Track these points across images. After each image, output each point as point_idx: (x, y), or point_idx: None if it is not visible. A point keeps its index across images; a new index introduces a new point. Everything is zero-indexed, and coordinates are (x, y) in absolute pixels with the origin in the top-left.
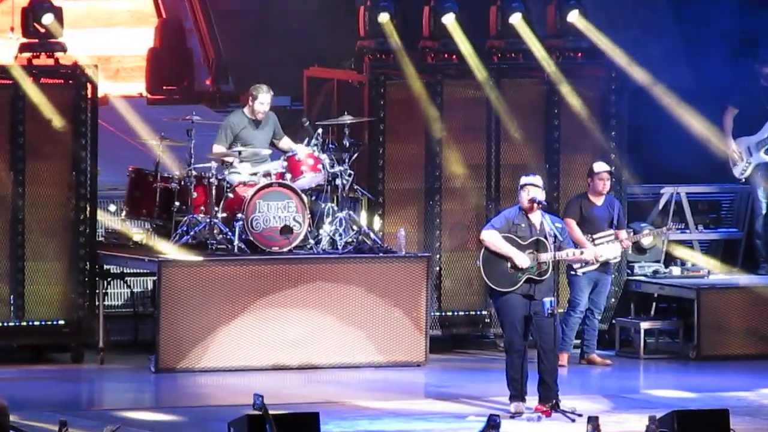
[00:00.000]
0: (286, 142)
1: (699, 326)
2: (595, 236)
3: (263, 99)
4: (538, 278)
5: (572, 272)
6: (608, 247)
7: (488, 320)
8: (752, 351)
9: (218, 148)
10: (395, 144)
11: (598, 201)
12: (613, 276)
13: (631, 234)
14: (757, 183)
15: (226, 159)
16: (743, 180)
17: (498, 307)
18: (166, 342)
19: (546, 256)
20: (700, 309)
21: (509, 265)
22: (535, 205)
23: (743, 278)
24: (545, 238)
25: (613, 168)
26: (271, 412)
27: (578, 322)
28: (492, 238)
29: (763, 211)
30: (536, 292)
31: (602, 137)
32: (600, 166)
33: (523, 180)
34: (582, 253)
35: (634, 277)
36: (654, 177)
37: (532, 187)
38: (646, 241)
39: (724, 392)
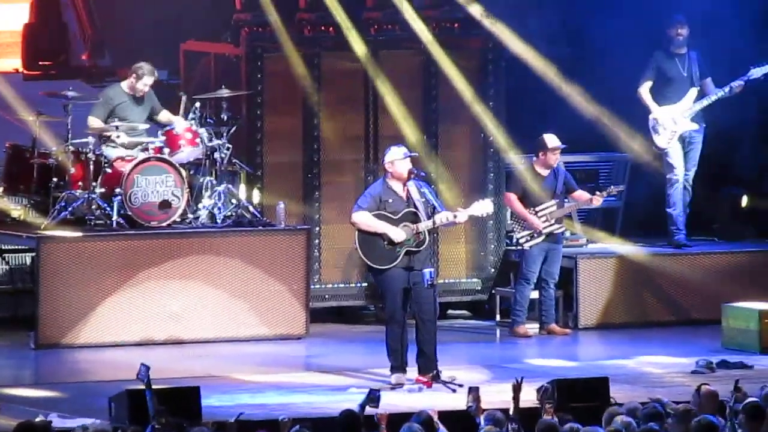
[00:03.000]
0: (164, 115)
1: (578, 295)
2: (537, 208)
3: (147, 81)
4: (416, 249)
5: (519, 247)
6: (480, 206)
7: (368, 292)
8: (632, 319)
9: (94, 121)
10: (273, 117)
11: (544, 172)
12: (562, 246)
13: (598, 194)
14: (675, 152)
15: (104, 134)
16: (666, 150)
17: (379, 280)
18: (46, 318)
19: (422, 225)
20: (579, 278)
21: (386, 242)
22: (412, 175)
23: (622, 247)
24: (415, 207)
25: (491, 138)
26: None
27: (529, 294)
28: (362, 218)
29: (679, 179)
30: (415, 262)
31: (480, 108)
32: (552, 141)
33: (397, 152)
34: (455, 216)
35: (513, 246)
36: (532, 147)
37: (409, 160)
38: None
39: (604, 360)
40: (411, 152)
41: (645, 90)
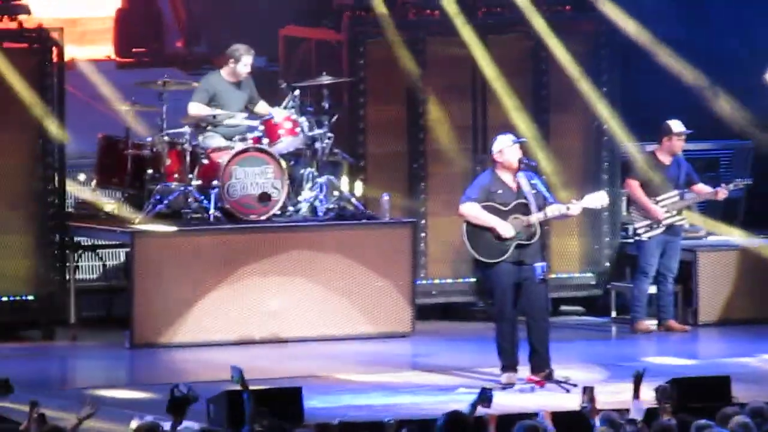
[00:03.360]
0: (262, 107)
1: (698, 290)
2: (658, 198)
3: (246, 60)
4: (527, 242)
5: (638, 237)
6: (594, 197)
7: (476, 288)
8: (754, 315)
9: (196, 107)
10: (376, 105)
11: (667, 161)
12: (681, 239)
13: (724, 185)
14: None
15: (200, 123)
16: None
17: (487, 275)
18: (141, 316)
19: (533, 218)
20: (698, 271)
21: (494, 235)
22: (522, 164)
23: (744, 239)
24: (526, 198)
25: (605, 126)
26: (251, 387)
27: (647, 289)
28: (471, 210)
29: None
30: (526, 256)
31: (593, 94)
32: (678, 126)
33: (505, 140)
34: (568, 208)
35: (629, 239)
36: (649, 135)
37: (518, 146)
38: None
39: (725, 358)
40: (519, 138)
41: None
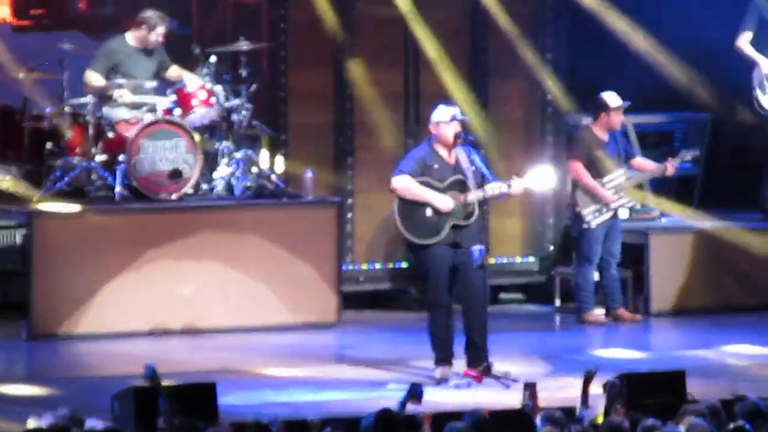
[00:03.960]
0: (175, 71)
1: (650, 276)
2: (604, 179)
3: (160, 30)
4: (464, 222)
5: (584, 225)
6: (538, 174)
7: (408, 273)
8: (712, 303)
9: (92, 77)
10: (299, 73)
11: (604, 137)
12: (620, 220)
13: (671, 160)
14: None
15: (106, 92)
16: None
17: (420, 259)
18: (40, 304)
19: (471, 196)
20: (650, 256)
21: (430, 211)
22: (459, 140)
23: (700, 220)
24: (464, 175)
25: (549, 96)
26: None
27: (593, 276)
28: (404, 183)
29: None
30: (463, 238)
31: (537, 61)
32: (615, 99)
33: (444, 113)
34: (509, 186)
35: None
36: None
37: (457, 123)
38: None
39: (679, 351)
40: (460, 116)
41: (745, 42)
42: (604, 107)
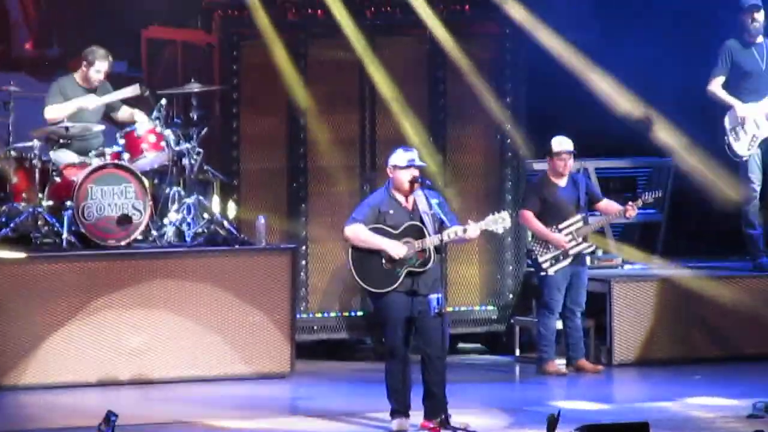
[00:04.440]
0: (125, 112)
1: (612, 325)
2: (561, 226)
3: (100, 66)
4: (420, 269)
5: (542, 273)
6: (494, 219)
7: (364, 322)
8: (676, 354)
9: (53, 110)
10: (252, 116)
11: (561, 181)
12: (587, 268)
13: (631, 203)
14: (754, 161)
15: (51, 136)
16: (745, 159)
17: (377, 308)
18: None
19: (426, 242)
20: (613, 305)
21: (384, 260)
22: (416, 185)
23: (664, 268)
24: (420, 221)
25: (508, 141)
26: None
27: (555, 325)
28: (356, 232)
29: (757, 193)
30: (420, 286)
31: (496, 105)
32: (558, 144)
33: (401, 158)
34: (465, 231)
35: (534, 269)
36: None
37: (415, 169)
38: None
39: (643, 402)
40: (418, 161)
41: (717, 86)
42: (549, 152)
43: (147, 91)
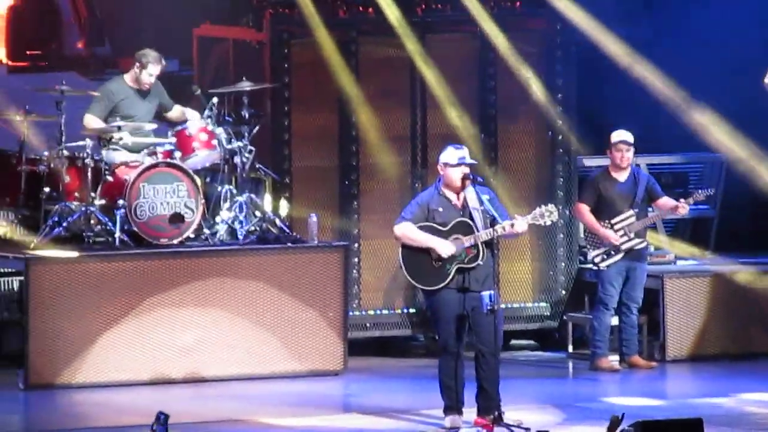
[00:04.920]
0: (177, 111)
1: (665, 321)
2: (613, 221)
3: (153, 70)
4: (469, 265)
5: (594, 267)
6: (542, 212)
7: (416, 319)
8: (729, 350)
9: (92, 120)
10: (303, 114)
11: (621, 176)
12: (645, 264)
13: (683, 201)
14: None
15: (103, 135)
16: None
17: (430, 304)
18: (37, 353)
19: (473, 238)
20: (666, 301)
21: (433, 257)
22: (467, 182)
23: (717, 263)
24: (470, 217)
25: (560, 137)
26: None
27: (609, 321)
28: (405, 230)
29: None
30: (471, 282)
31: (547, 101)
32: (617, 135)
33: (451, 155)
34: (513, 225)
35: (588, 265)
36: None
37: (466, 167)
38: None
39: (696, 398)
40: (468, 159)
41: None
42: (608, 145)
43: (198, 90)
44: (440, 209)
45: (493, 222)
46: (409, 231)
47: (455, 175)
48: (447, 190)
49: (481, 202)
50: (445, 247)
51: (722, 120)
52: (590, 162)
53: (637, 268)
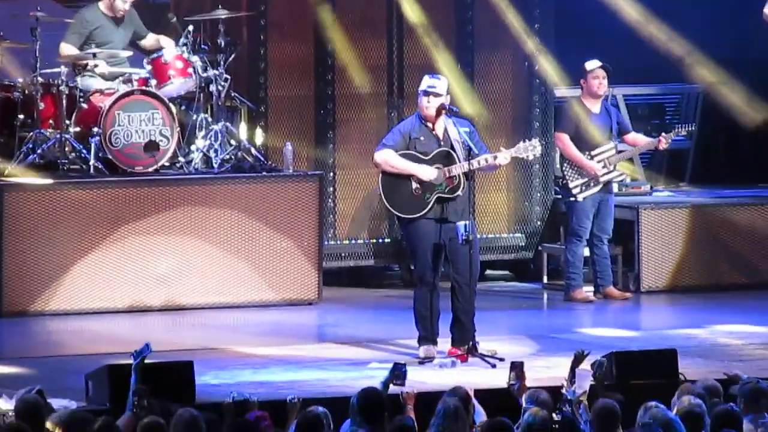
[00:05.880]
0: (151, 39)
1: (640, 252)
2: (594, 152)
3: None
4: (449, 195)
5: (571, 198)
6: (525, 146)
7: (391, 249)
8: (704, 282)
9: (67, 49)
10: (279, 43)
11: (595, 107)
12: (613, 195)
13: (665, 135)
14: None
15: (78, 62)
16: None
17: (406, 234)
18: (11, 281)
19: (455, 169)
20: (641, 232)
21: (414, 185)
22: (444, 112)
23: (693, 195)
24: (451, 148)
25: (536, 68)
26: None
27: (582, 252)
28: (386, 157)
29: None
30: (450, 213)
31: (524, 32)
32: (593, 63)
33: (423, 83)
34: (495, 157)
35: (563, 197)
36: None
37: (433, 96)
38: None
39: (671, 330)
40: (440, 89)
41: None
42: (583, 73)
43: (174, 18)
44: (421, 138)
45: (470, 153)
46: (390, 158)
47: (422, 102)
48: (427, 120)
49: (460, 135)
50: (427, 173)
51: (701, 52)
52: (562, 93)
53: (607, 200)
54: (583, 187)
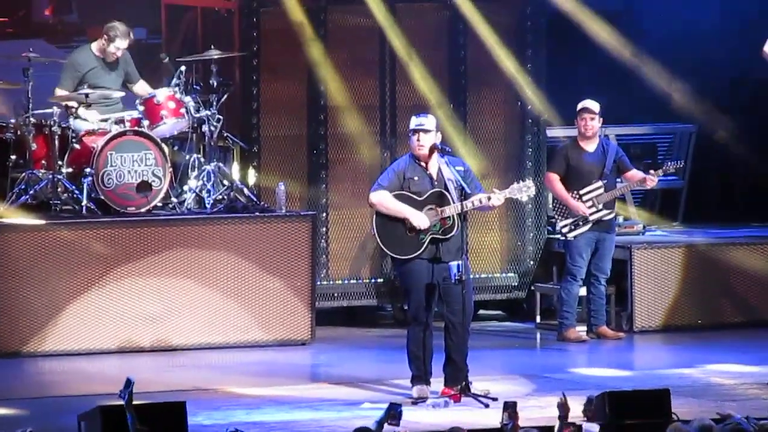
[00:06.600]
0: (141, 86)
1: (633, 292)
2: (582, 192)
3: (120, 44)
4: (443, 237)
5: (562, 238)
6: (519, 187)
7: (384, 289)
8: (696, 321)
9: (62, 93)
10: (272, 83)
11: (589, 146)
12: (614, 235)
13: (652, 172)
14: None
15: (70, 103)
16: None
17: (400, 274)
18: (3, 322)
19: (449, 210)
20: (634, 271)
21: (407, 227)
22: (437, 151)
23: (685, 234)
24: (445, 188)
25: (529, 107)
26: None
27: (577, 292)
28: (381, 199)
29: None
30: (444, 253)
31: (517, 71)
32: (581, 104)
33: (411, 122)
34: (489, 198)
35: (556, 235)
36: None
37: (422, 133)
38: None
39: (664, 369)
40: (428, 126)
41: None
42: (575, 114)
43: (167, 58)
44: (415, 178)
45: (462, 193)
46: (385, 199)
47: (413, 141)
48: (422, 160)
49: (454, 175)
50: (419, 220)
51: (693, 91)
52: (555, 132)
53: (605, 239)
54: (572, 227)
